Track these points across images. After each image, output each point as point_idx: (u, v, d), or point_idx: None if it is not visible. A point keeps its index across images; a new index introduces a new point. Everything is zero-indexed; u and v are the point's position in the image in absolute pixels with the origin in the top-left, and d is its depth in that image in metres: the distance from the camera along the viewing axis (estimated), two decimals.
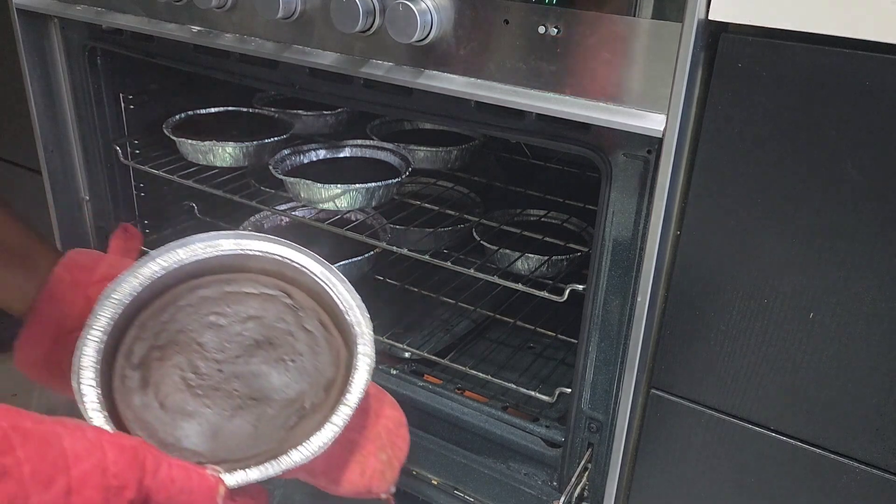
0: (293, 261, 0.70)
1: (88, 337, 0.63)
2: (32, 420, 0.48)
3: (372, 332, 0.68)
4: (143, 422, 0.62)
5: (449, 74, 0.76)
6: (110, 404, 0.62)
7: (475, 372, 1.01)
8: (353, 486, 0.67)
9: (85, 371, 0.62)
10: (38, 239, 0.70)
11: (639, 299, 0.74)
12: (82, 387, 0.61)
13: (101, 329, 0.63)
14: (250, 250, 0.70)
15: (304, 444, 0.61)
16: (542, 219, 1.18)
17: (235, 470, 0.59)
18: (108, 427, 0.59)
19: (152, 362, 0.65)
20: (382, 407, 0.72)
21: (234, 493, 0.59)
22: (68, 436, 0.49)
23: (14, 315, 0.68)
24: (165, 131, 1.17)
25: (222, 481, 0.57)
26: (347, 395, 0.64)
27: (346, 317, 0.69)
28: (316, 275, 0.70)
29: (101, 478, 0.48)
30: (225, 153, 1.14)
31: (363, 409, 0.69)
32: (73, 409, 1.08)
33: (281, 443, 0.63)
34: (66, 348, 0.66)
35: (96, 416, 0.60)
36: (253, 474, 0.59)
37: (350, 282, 0.71)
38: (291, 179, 1.05)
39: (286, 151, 1.16)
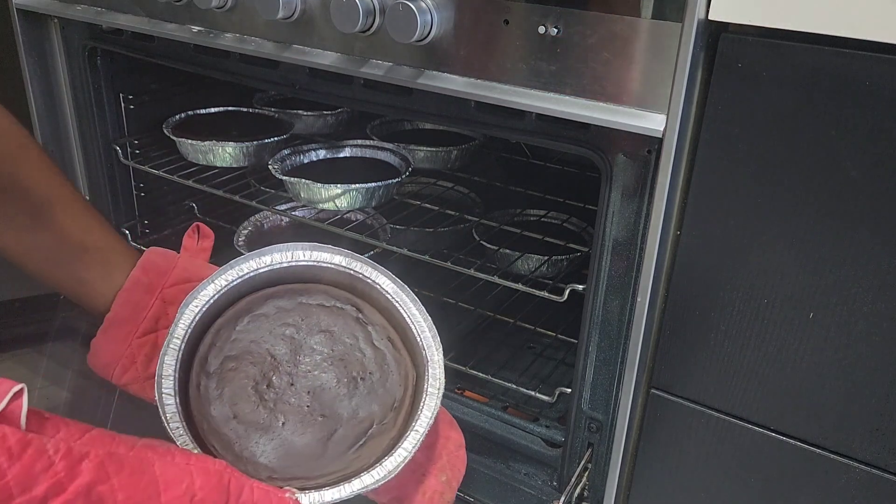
0: (365, 276, 0.70)
1: (170, 346, 0.63)
2: (126, 446, 0.49)
3: (442, 357, 0.68)
4: (219, 434, 0.63)
5: (449, 74, 0.76)
6: (187, 414, 0.63)
7: (475, 372, 1.01)
8: None
9: (166, 380, 0.62)
10: (118, 238, 0.70)
11: (639, 299, 0.74)
12: (164, 396, 0.61)
13: (180, 338, 0.64)
14: (324, 263, 0.70)
15: (376, 467, 0.62)
16: (542, 219, 1.18)
17: (309, 490, 0.60)
18: (191, 446, 0.60)
19: (227, 372, 0.66)
20: (444, 428, 0.73)
21: None
22: (159, 461, 0.50)
23: (93, 315, 0.69)
24: (165, 131, 1.17)
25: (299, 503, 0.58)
26: (419, 420, 0.64)
27: (418, 338, 0.69)
28: (388, 292, 0.70)
29: (189, 503, 0.50)
30: (225, 153, 1.14)
31: (433, 440, 0.70)
32: (72, 409, 1.08)
33: (349, 463, 0.63)
34: (139, 350, 0.67)
35: (177, 431, 0.60)
36: (327, 496, 0.60)
37: None
38: (291, 179, 1.05)
39: (286, 151, 1.16)
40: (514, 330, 1.14)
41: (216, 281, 0.66)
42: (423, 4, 0.72)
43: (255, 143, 1.15)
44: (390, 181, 1.07)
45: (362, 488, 0.60)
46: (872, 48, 0.58)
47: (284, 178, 1.06)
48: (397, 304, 0.70)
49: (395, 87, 0.81)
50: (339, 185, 1.04)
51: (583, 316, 0.81)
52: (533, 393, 0.96)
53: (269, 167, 1.11)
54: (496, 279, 0.99)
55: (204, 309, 0.65)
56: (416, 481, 0.68)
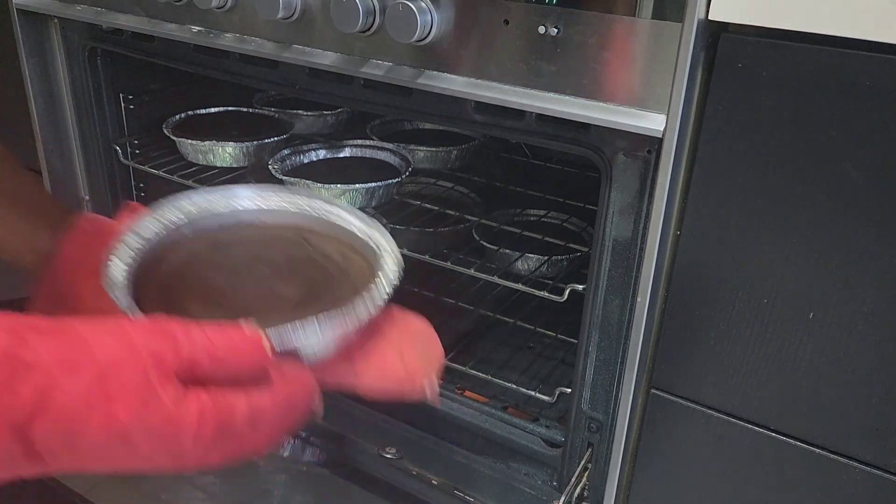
0: (308, 207, 0.71)
1: (116, 255, 0.60)
2: (45, 320, 0.45)
3: (393, 243, 0.68)
4: None
5: (449, 74, 0.76)
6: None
7: (475, 372, 1.01)
8: (395, 376, 0.65)
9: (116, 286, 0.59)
10: (56, 200, 0.70)
11: (639, 299, 0.74)
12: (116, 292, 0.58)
13: (129, 255, 0.61)
14: (268, 206, 0.71)
15: (358, 299, 0.59)
16: (542, 219, 1.18)
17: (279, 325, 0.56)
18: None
19: (174, 296, 0.63)
20: (412, 317, 0.71)
21: (281, 359, 0.53)
22: (85, 325, 0.45)
23: (21, 268, 0.67)
24: (165, 131, 1.17)
25: (263, 334, 0.51)
26: (384, 272, 0.64)
27: (364, 238, 0.68)
28: (329, 214, 0.70)
29: (131, 356, 0.45)
30: (225, 153, 1.14)
31: (393, 315, 0.69)
32: None
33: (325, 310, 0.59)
34: (81, 293, 0.65)
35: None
36: (308, 327, 0.55)
37: None
38: (291, 179, 1.05)
39: (286, 151, 1.16)
40: (514, 330, 1.14)
41: (159, 216, 0.66)
42: (423, 4, 0.72)
43: (255, 143, 1.15)
44: (390, 181, 1.07)
45: (344, 321, 0.57)
46: (873, 48, 0.58)
47: (284, 178, 1.06)
48: (341, 222, 0.70)
49: (395, 87, 0.81)
50: (339, 185, 1.04)
51: (583, 316, 0.81)
52: (533, 393, 0.96)
53: (269, 167, 1.11)
54: (496, 279, 0.99)
55: (150, 240, 0.64)
56: (393, 351, 0.66)
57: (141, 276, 0.64)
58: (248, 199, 0.72)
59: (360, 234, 0.70)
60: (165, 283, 0.65)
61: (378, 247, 0.69)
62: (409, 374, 0.66)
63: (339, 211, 0.72)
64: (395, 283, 0.64)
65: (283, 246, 0.71)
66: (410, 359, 0.66)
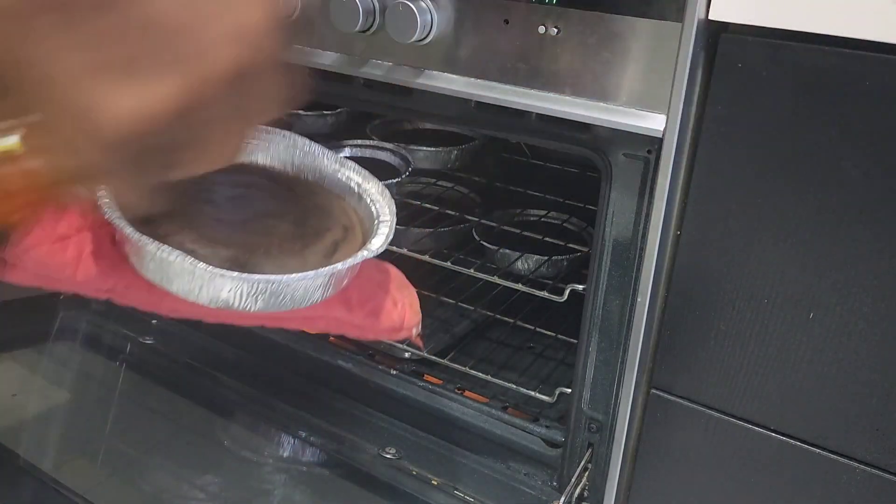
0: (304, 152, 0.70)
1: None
2: None
3: (380, 185, 0.68)
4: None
5: (449, 74, 0.76)
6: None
7: (475, 372, 1.01)
8: (389, 316, 0.68)
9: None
10: None
11: (639, 299, 0.74)
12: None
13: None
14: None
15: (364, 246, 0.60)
16: (542, 219, 1.18)
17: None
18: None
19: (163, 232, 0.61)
20: (392, 267, 0.74)
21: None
22: None
23: None
24: None
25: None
26: (382, 217, 0.64)
27: (337, 176, 0.68)
28: (295, 147, 0.69)
29: None
30: None
31: (380, 265, 0.71)
32: (72, 409, 1.07)
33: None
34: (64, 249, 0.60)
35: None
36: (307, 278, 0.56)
37: None
38: None
39: None
40: (514, 330, 1.14)
41: None
42: (423, 4, 0.72)
43: None
44: (390, 181, 1.07)
45: (352, 261, 0.58)
46: (873, 48, 0.58)
47: None
48: (308, 159, 0.69)
49: (395, 87, 0.81)
50: None
51: (583, 316, 0.81)
52: (533, 393, 0.96)
53: None
54: (496, 279, 0.99)
55: None
56: (386, 294, 0.69)
57: None
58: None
59: (330, 172, 0.69)
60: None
61: (373, 202, 0.68)
62: (400, 319, 0.69)
63: (301, 141, 0.70)
64: (394, 219, 0.64)
65: (259, 184, 0.69)
66: (401, 301, 0.70)
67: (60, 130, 0.29)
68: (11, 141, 0.32)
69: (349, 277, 0.64)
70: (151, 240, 0.55)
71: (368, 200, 0.67)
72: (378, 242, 0.62)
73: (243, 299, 0.58)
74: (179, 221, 0.61)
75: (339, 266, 0.59)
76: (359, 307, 0.67)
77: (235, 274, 0.56)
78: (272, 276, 0.56)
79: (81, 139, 0.29)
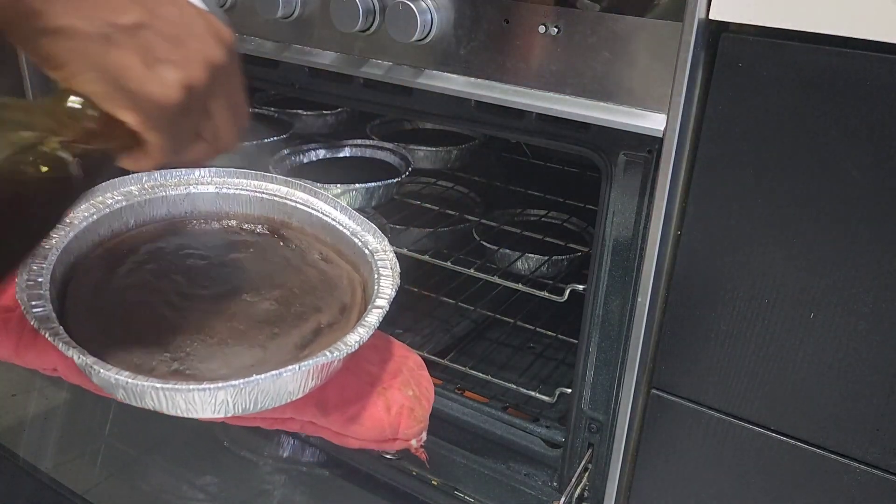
0: (279, 195, 0.64)
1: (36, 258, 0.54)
2: None
3: (389, 247, 0.62)
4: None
5: (449, 74, 0.76)
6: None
7: (475, 372, 1.01)
8: (378, 424, 0.58)
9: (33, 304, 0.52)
10: None
11: (639, 299, 0.74)
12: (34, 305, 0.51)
13: (52, 247, 0.54)
14: (230, 190, 0.64)
15: (341, 341, 0.52)
16: (543, 219, 1.18)
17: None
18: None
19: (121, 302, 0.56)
20: (399, 349, 0.65)
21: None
22: None
23: None
24: None
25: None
26: (377, 300, 0.56)
27: (354, 240, 0.62)
28: (312, 208, 0.64)
29: None
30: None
31: (379, 347, 0.62)
32: (72, 409, 1.07)
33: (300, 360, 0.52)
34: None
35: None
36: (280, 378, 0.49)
37: None
38: (292, 181, 1.05)
39: (286, 151, 1.16)
40: (514, 330, 1.14)
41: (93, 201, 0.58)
42: (424, 4, 0.72)
43: (254, 142, 1.14)
44: (390, 181, 1.06)
45: (312, 362, 0.50)
46: (873, 48, 0.58)
47: (284, 178, 1.06)
48: (326, 218, 0.64)
49: (395, 86, 0.81)
50: (339, 185, 1.04)
51: (583, 316, 0.81)
52: (533, 393, 0.96)
53: (269, 167, 1.10)
54: (496, 279, 0.98)
55: (73, 235, 0.56)
56: (378, 395, 0.59)
57: (69, 271, 0.56)
58: (206, 181, 0.64)
59: (348, 234, 0.63)
60: (95, 305, 0.56)
61: (372, 254, 0.61)
62: (393, 428, 0.59)
63: (322, 204, 0.64)
64: (383, 313, 0.56)
65: (252, 244, 0.62)
66: (399, 402, 0.59)
67: (125, 98, 0.44)
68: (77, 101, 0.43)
69: (321, 377, 0.54)
70: (80, 354, 0.50)
71: (376, 275, 0.60)
72: (355, 338, 0.53)
73: (188, 409, 0.51)
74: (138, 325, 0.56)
75: (290, 369, 0.50)
76: (336, 411, 0.57)
77: (159, 384, 0.49)
78: (204, 386, 0.49)
79: (144, 102, 0.44)
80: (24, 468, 0.97)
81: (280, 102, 1.32)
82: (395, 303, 0.60)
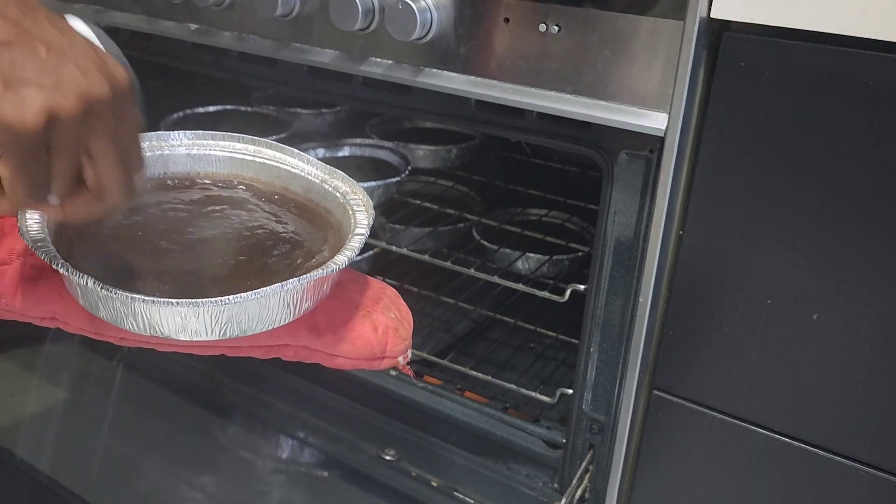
0: (248, 154, 0.68)
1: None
2: None
3: (360, 188, 0.64)
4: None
5: (449, 73, 0.75)
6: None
7: (475, 373, 1.01)
8: (367, 343, 0.62)
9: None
10: None
11: (641, 299, 0.73)
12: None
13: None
14: (201, 150, 0.67)
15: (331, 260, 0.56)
16: (543, 218, 1.18)
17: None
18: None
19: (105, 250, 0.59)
20: (375, 282, 0.69)
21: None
22: None
23: None
24: (163, 130, 1.16)
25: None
26: (356, 230, 0.60)
27: (325, 186, 0.65)
28: (276, 161, 0.68)
29: None
30: None
31: (359, 280, 0.66)
32: (71, 409, 1.07)
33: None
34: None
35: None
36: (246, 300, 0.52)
37: None
38: None
39: None
40: (514, 330, 1.14)
41: None
42: (423, 2, 0.72)
43: None
44: (390, 180, 1.06)
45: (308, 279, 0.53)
46: (876, 47, 0.57)
47: None
48: (295, 171, 0.67)
49: (394, 85, 0.81)
50: None
51: (584, 316, 0.80)
52: (534, 394, 0.96)
53: None
54: (496, 279, 0.98)
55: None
56: (363, 317, 0.63)
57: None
58: (176, 143, 0.67)
59: (318, 182, 0.66)
60: (90, 251, 0.59)
61: (343, 196, 0.64)
62: (381, 346, 0.63)
63: (289, 158, 0.68)
64: (363, 239, 0.60)
65: (227, 199, 0.66)
66: (384, 323, 0.63)
67: None
68: None
69: (314, 298, 0.58)
70: (68, 266, 0.52)
71: (350, 212, 0.64)
72: (343, 258, 0.57)
73: (183, 327, 0.53)
74: (133, 250, 0.59)
75: (289, 284, 0.53)
76: (328, 332, 0.62)
77: (163, 300, 0.52)
78: (198, 300, 0.52)
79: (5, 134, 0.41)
80: (21, 468, 0.97)
81: (278, 101, 1.32)
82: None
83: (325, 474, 0.98)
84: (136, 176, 0.50)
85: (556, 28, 0.68)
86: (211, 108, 1.27)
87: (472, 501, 0.92)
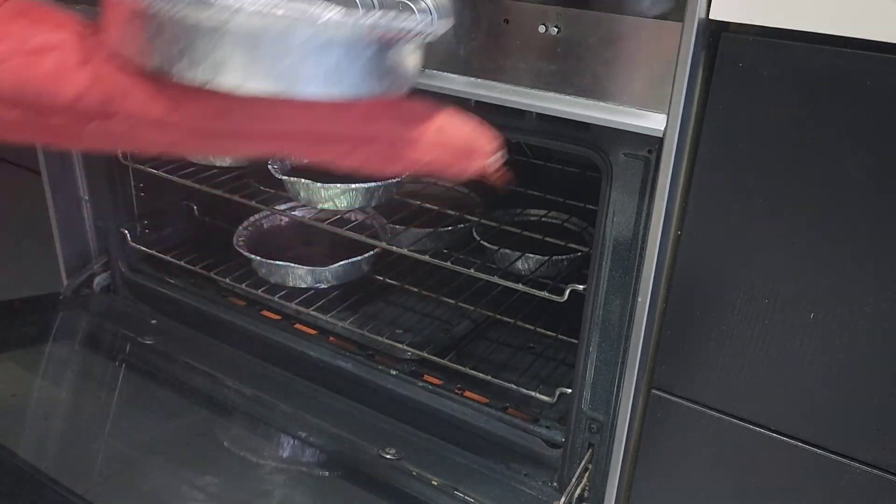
0: None
1: None
2: None
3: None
4: None
5: (448, 74, 0.76)
6: None
7: (475, 372, 1.01)
8: (461, 132, 0.58)
9: None
10: None
11: (639, 299, 0.74)
12: None
13: None
14: None
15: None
16: (543, 219, 1.18)
17: None
18: None
19: None
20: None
21: None
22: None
23: None
24: None
25: None
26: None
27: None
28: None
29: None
30: None
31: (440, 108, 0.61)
32: (72, 409, 1.07)
33: None
34: None
35: None
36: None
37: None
38: (291, 179, 1.05)
39: None
40: (514, 330, 1.14)
41: None
42: (423, 3, 0.72)
43: None
44: (390, 181, 1.06)
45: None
46: (874, 48, 0.57)
47: (284, 177, 1.06)
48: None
49: None
50: (338, 185, 1.04)
51: (583, 316, 0.81)
52: (533, 393, 0.96)
53: (269, 167, 1.10)
54: (496, 279, 0.98)
55: None
56: (450, 114, 0.59)
57: None
58: None
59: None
60: None
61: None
62: (476, 136, 0.58)
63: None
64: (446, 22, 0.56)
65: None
66: (471, 125, 0.59)
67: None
68: None
69: (379, 69, 0.52)
70: None
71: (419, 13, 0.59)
72: (410, 23, 0.53)
73: (272, 62, 0.48)
74: None
75: (381, 22, 0.49)
76: (419, 122, 0.56)
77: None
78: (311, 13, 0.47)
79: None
80: (23, 468, 0.97)
81: None
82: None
83: (326, 474, 0.98)
84: None
85: (556, 29, 0.69)
86: None
87: (472, 500, 0.93)
